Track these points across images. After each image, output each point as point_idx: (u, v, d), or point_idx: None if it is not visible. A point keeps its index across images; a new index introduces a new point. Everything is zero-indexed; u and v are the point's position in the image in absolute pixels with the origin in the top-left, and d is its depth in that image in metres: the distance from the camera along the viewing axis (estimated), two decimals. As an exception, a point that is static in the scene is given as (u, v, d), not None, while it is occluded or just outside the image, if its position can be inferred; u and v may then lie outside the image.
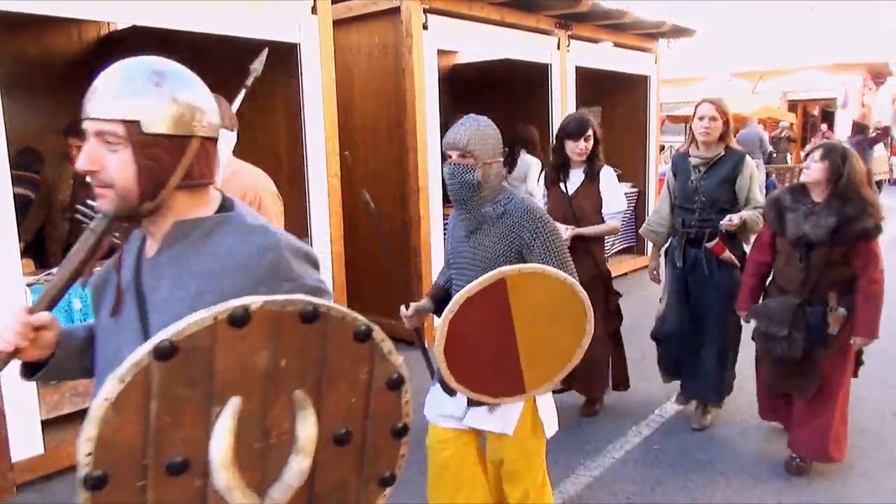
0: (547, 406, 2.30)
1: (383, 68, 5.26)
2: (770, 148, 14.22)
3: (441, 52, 5.44)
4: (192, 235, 1.18)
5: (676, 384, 3.97)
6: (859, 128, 13.97)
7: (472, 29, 5.64)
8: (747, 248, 3.63)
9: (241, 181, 2.66)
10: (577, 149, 3.66)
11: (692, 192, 3.61)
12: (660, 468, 3.41)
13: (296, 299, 1.00)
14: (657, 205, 3.93)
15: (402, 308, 2.42)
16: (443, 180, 2.44)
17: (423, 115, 5.13)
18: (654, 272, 3.91)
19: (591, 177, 3.72)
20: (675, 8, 12.29)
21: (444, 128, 7.32)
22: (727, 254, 3.56)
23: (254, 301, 0.96)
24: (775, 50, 19.37)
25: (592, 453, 3.58)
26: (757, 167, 13.55)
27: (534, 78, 6.78)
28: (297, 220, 4.68)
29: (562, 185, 3.76)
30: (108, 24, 6.08)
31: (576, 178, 3.76)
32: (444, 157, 2.33)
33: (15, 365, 1.25)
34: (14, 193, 3.17)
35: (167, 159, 1.13)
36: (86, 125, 1.13)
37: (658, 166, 8.27)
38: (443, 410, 2.28)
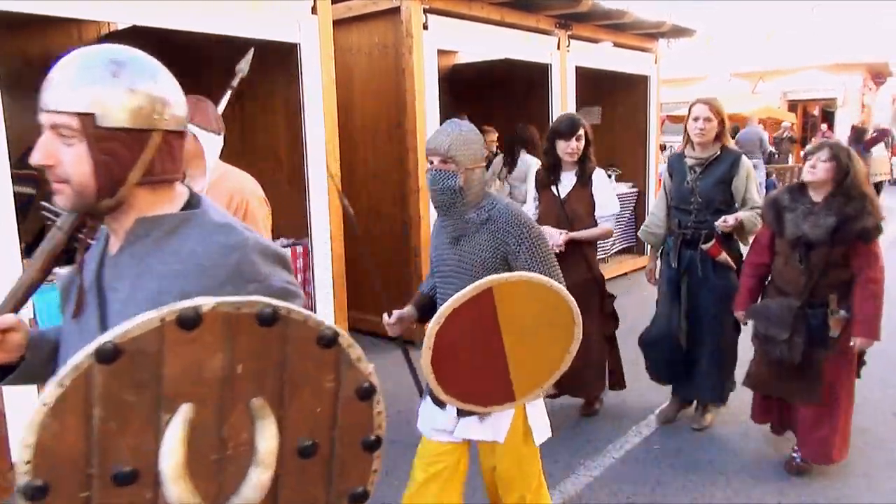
0: (538, 413, 2.28)
1: (383, 68, 5.26)
2: (770, 148, 14.23)
3: (441, 52, 5.44)
4: (154, 233, 1.12)
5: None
6: (857, 133, 13.98)
7: (472, 29, 5.64)
8: (744, 250, 3.60)
9: (228, 185, 2.64)
10: (568, 149, 3.60)
11: (688, 193, 3.58)
12: (660, 468, 3.41)
13: (253, 300, 0.94)
14: (654, 207, 3.90)
15: (385, 316, 2.40)
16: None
17: (423, 115, 5.13)
18: (651, 273, 3.89)
19: (584, 180, 3.66)
20: (675, 8, 12.27)
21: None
22: (723, 255, 3.53)
23: (205, 302, 0.90)
24: (775, 50, 19.37)
25: (592, 453, 3.58)
26: (757, 167, 13.46)
27: (534, 78, 6.78)
28: (298, 220, 4.68)
29: (553, 188, 3.71)
30: (108, 24, 6.07)
31: (567, 180, 3.70)
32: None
33: None
34: (15, 192, 3.18)
35: (125, 154, 1.08)
36: (41, 117, 1.07)
37: (658, 166, 8.27)
38: (436, 424, 2.26)
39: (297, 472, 1.03)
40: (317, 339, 0.98)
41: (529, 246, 2.17)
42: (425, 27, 5.09)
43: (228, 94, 3.26)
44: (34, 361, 1.26)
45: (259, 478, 0.97)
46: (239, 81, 3.18)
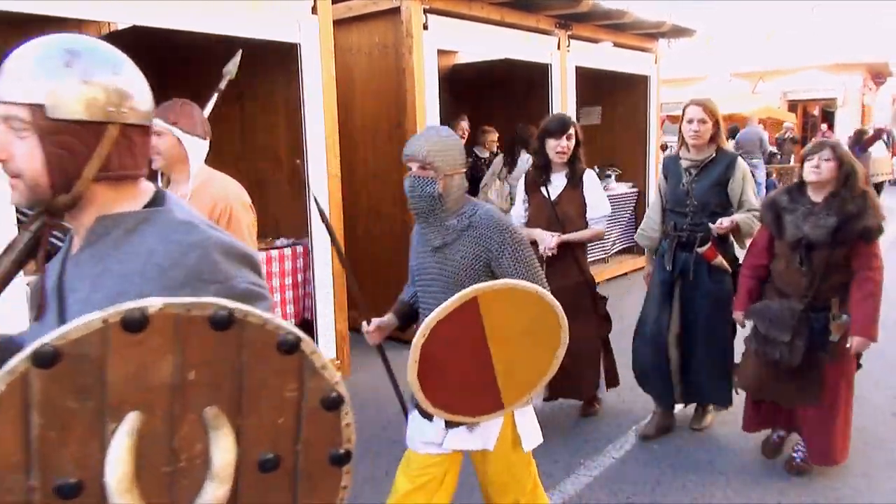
0: (527, 419, 2.25)
1: (383, 68, 5.26)
2: (770, 148, 14.24)
3: (441, 52, 5.44)
4: (115, 232, 1.08)
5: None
6: (858, 135, 13.99)
7: (472, 29, 5.65)
8: (739, 253, 3.55)
9: (212, 191, 2.60)
10: (558, 147, 3.54)
11: (683, 196, 3.52)
12: (660, 468, 3.41)
13: (205, 302, 0.87)
14: (649, 210, 3.85)
15: (364, 324, 2.36)
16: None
17: (423, 115, 5.13)
18: (649, 277, 3.83)
19: (574, 181, 3.61)
20: (675, 8, 12.27)
21: (445, 128, 7.26)
22: (719, 259, 3.48)
23: (152, 303, 0.85)
24: (775, 50, 19.39)
25: (592, 453, 3.58)
26: (757, 167, 13.40)
27: (534, 78, 6.78)
28: (298, 220, 4.69)
29: (543, 189, 3.66)
30: (109, 24, 6.08)
31: (558, 182, 3.65)
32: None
33: None
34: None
35: (79, 148, 1.03)
36: None
37: (658, 166, 8.28)
38: (424, 436, 2.22)
39: (259, 487, 0.96)
40: (277, 344, 0.91)
41: (512, 251, 2.15)
42: (425, 27, 5.09)
43: (215, 96, 3.24)
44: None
45: (214, 492, 0.91)
46: (227, 83, 3.15)
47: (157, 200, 1.13)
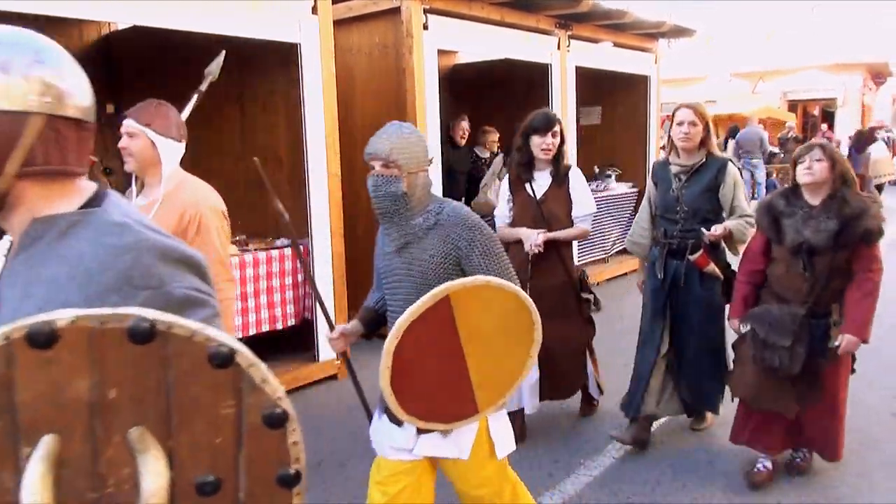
0: (501, 425, 2.19)
1: (383, 68, 5.27)
2: (771, 148, 14.24)
3: (441, 52, 5.45)
4: (48, 236, 1.01)
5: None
6: (859, 136, 13.99)
7: (473, 29, 5.65)
8: (731, 260, 3.49)
9: (183, 196, 2.52)
10: (543, 145, 3.47)
11: (673, 202, 3.45)
12: (660, 468, 3.41)
13: (122, 313, 0.80)
14: (637, 216, 3.76)
15: (327, 331, 2.30)
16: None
17: (423, 115, 5.13)
18: (642, 284, 3.75)
19: (559, 179, 3.56)
20: (675, 8, 12.27)
21: (445, 128, 7.34)
22: (711, 266, 3.40)
23: (61, 316, 0.78)
24: (775, 50, 19.42)
25: (592, 453, 3.58)
26: (757, 167, 13.37)
27: (534, 78, 6.78)
28: (298, 220, 4.69)
29: (528, 187, 3.59)
30: (109, 24, 6.08)
31: (543, 180, 3.57)
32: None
33: None
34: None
35: None
36: None
37: (658, 166, 8.30)
38: (393, 442, 2.14)
39: None
40: (208, 357, 0.84)
41: (482, 248, 2.10)
42: (425, 27, 5.09)
43: (195, 97, 3.20)
44: None
45: None
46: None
47: (94, 201, 1.06)
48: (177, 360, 0.83)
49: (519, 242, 3.51)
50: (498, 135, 6.97)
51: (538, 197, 3.55)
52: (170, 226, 2.44)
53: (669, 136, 3.51)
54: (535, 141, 3.50)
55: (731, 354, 3.43)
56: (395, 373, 1.76)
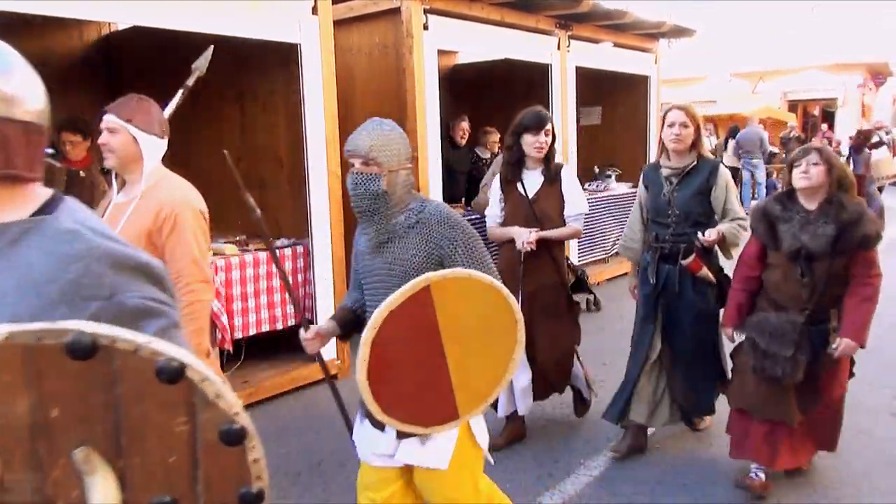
0: (482, 432, 2.13)
1: (384, 68, 5.27)
2: (771, 148, 14.23)
3: (441, 52, 5.45)
4: None
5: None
6: (860, 136, 13.95)
7: (473, 29, 5.65)
8: (724, 263, 3.47)
9: (160, 195, 2.46)
10: (535, 143, 3.45)
11: (665, 206, 3.41)
12: (660, 468, 3.41)
13: (59, 328, 0.76)
14: (629, 221, 3.72)
15: (301, 331, 2.24)
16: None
17: (423, 115, 5.14)
18: (634, 289, 3.70)
19: (551, 178, 3.52)
20: (675, 8, 12.28)
21: (445, 128, 7.34)
22: (704, 271, 3.36)
23: None
24: (775, 50, 19.40)
25: (592, 453, 3.58)
26: (757, 167, 13.33)
27: (534, 78, 6.79)
28: (298, 220, 4.69)
29: (520, 186, 3.55)
30: (109, 24, 6.08)
31: (534, 179, 3.52)
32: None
33: None
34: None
35: None
36: None
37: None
38: (376, 448, 2.10)
39: None
40: (156, 372, 0.80)
41: (465, 247, 2.07)
42: (425, 27, 5.10)
43: (179, 93, 3.15)
44: None
45: None
46: (195, 80, 3.06)
47: (47, 207, 1.01)
48: (123, 375, 0.79)
49: (511, 242, 3.49)
50: (499, 135, 6.96)
51: (530, 196, 3.52)
52: (145, 223, 2.41)
53: (660, 138, 3.48)
54: (528, 140, 3.47)
55: (729, 363, 3.40)
56: (373, 368, 1.70)
